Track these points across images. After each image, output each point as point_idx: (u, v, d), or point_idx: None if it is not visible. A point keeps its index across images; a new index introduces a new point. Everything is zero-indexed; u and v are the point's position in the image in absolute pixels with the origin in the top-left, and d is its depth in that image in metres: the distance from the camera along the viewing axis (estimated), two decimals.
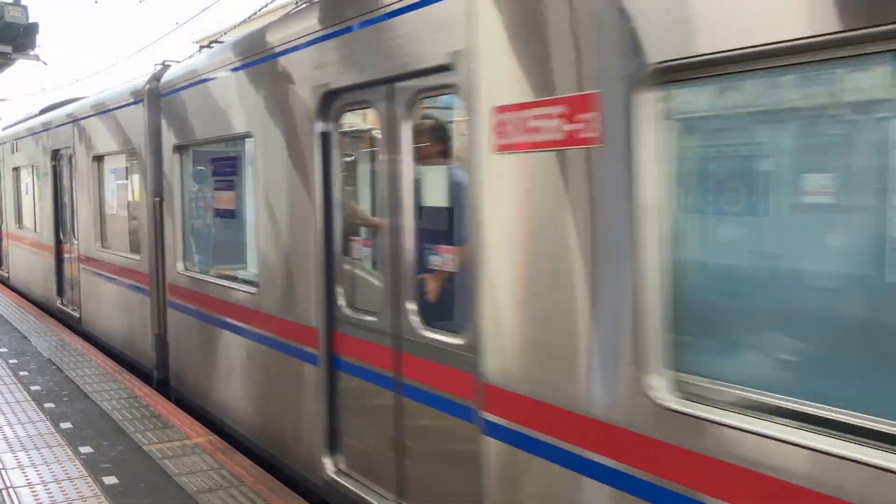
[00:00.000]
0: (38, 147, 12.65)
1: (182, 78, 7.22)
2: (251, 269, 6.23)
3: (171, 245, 7.59)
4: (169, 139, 7.52)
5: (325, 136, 4.86)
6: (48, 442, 6.14)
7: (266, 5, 13.91)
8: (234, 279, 6.52)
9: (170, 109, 7.53)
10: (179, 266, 7.44)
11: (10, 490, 5.16)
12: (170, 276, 7.66)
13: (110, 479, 5.38)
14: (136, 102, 8.37)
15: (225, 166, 7.04)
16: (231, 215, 6.94)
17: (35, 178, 13.27)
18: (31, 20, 10.77)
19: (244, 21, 15.28)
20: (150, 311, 8.17)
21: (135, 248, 8.76)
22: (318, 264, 4.88)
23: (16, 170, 14.99)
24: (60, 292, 12.09)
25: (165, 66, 8.11)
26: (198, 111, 6.93)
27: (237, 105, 6.07)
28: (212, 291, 6.66)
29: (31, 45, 10.74)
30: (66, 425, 6.59)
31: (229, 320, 6.26)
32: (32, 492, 5.15)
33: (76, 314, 11.07)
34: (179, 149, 7.38)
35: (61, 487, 5.22)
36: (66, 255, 11.67)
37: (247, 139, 6.08)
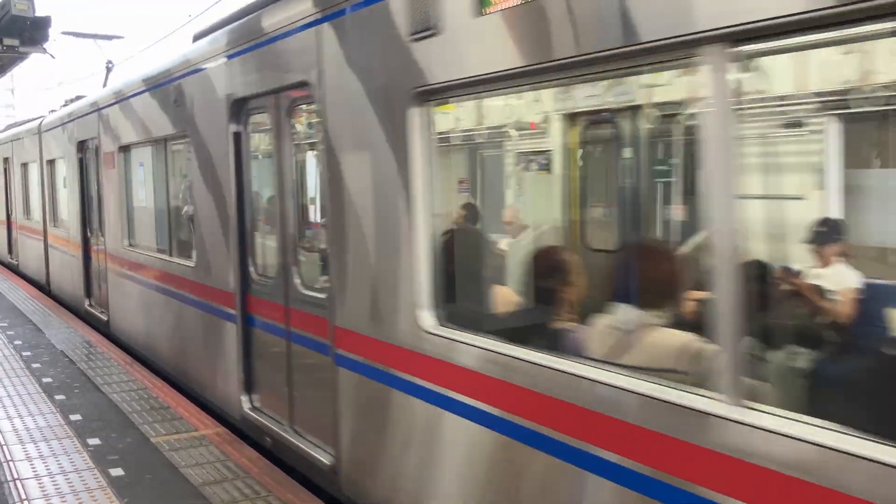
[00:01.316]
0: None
1: None
2: None
3: None
4: None
5: None
6: (57, 434, 6.16)
7: None
8: None
9: None
10: None
11: (17, 482, 5.18)
12: None
13: (116, 471, 5.38)
14: None
15: None
16: None
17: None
18: (43, 14, 10.83)
19: None
20: None
21: None
22: None
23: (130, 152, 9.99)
24: None
25: None
26: None
27: None
28: None
29: (43, 38, 10.72)
30: (75, 417, 6.61)
31: None
32: (39, 483, 5.16)
33: None
34: None
35: (68, 479, 5.23)
36: None
37: None
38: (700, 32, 2.44)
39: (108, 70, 16.81)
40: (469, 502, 3.70)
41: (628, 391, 2.80)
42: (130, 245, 9.30)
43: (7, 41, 9.35)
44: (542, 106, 5.46)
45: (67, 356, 8.89)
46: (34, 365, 8.48)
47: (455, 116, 5.39)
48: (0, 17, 9.25)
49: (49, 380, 7.85)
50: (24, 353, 9.03)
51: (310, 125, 5.40)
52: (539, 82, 3.78)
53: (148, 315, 8.78)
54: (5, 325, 10.86)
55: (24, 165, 15.92)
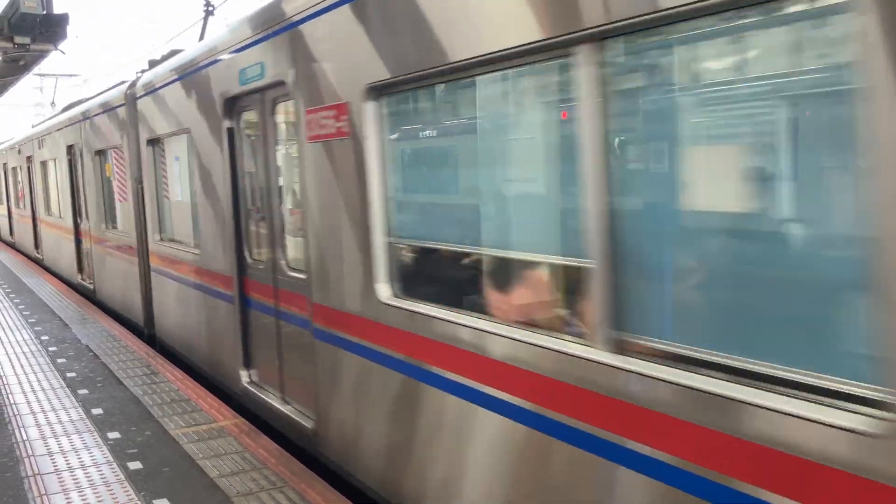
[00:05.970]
0: None
1: None
2: None
3: None
4: None
5: None
6: (78, 428, 6.22)
7: None
8: None
9: None
10: None
11: (38, 477, 5.23)
12: None
13: (135, 465, 5.41)
14: None
15: None
16: None
17: None
18: (62, 11, 10.85)
19: None
20: None
21: None
22: None
23: None
24: None
25: None
26: None
27: None
28: None
29: (60, 36, 10.72)
30: (97, 411, 6.67)
31: None
32: (59, 478, 5.21)
33: None
34: None
35: (87, 473, 5.27)
36: None
37: None
38: None
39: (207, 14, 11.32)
40: None
41: None
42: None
43: (18, 39, 9.35)
44: None
45: (92, 350, 8.98)
46: (59, 360, 8.58)
47: None
48: (10, 15, 9.30)
49: (73, 374, 7.93)
50: (50, 349, 9.15)
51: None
52: None
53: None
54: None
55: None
